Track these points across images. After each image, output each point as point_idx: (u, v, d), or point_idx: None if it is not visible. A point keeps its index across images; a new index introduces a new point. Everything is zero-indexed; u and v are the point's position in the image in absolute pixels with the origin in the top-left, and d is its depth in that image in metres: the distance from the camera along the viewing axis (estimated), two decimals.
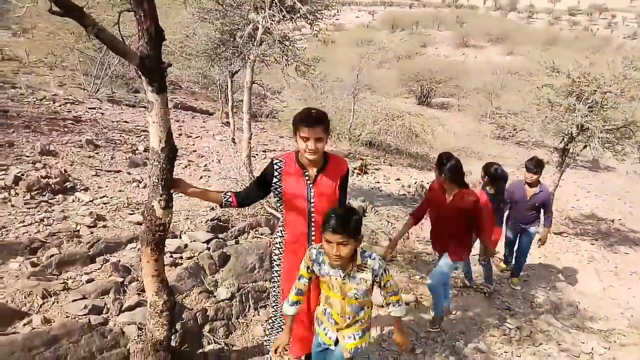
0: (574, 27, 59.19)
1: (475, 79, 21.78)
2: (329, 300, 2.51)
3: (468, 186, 3.88)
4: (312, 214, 2.64)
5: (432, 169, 12.81)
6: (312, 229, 2.68)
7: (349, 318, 2.49)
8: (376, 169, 10.71)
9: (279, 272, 2.87)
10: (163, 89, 2.25)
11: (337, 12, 5.65)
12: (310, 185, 2.61)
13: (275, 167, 2.64)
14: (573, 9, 72.69)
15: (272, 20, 4.83)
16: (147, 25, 2.04)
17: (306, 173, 2.60)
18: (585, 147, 7.61)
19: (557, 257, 7.04)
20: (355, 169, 10.09)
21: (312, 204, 2.63)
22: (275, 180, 2.64)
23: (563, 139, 7.65)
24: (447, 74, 22.53)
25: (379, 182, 9.59)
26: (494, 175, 4.77)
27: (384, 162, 11.80)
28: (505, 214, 5.44)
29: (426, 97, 22.85)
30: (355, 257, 2.32)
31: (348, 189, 2.82)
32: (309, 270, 2.48)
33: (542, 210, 5.30)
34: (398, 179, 10.09)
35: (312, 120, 2.45)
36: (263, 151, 9.85)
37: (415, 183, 9.58)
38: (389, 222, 6.67)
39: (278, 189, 2.65)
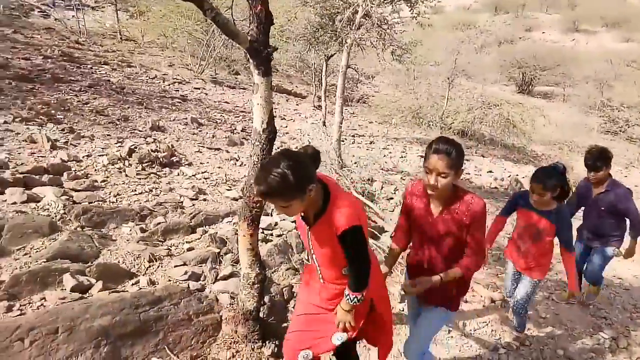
0: None
1: (585, 67, 20.00)
2: None
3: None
4: (314, 257, 2.20)
5: (529, 162, 12.07)
6: (319, 270, 2.23)
7: None
8: (466, 160, 10.29)
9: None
10: (268, 72, 2.33)
11: None
12: (308, 229, 2.11)
13: None
14: None
15: (372, 4, 4.77)
16: (258, 9, 2.12)
17: (303, 215, 2.13)
18: None
19: None
20: None
21: (312, 248, 2.17)
22: None
23: None
24: (553, 60, 20.84)
25: (469, 174, 9.21)
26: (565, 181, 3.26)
27: (475, 153, 11.31)
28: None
29: (528, 85, 21.34)
30: None
31: None
32: None
33: (625, 220, 4.02)
34: (490, 171, 9.62)
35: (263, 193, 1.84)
36: (352, 136, 9.87)
37: (510, 177, 9.08)
38: None
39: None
